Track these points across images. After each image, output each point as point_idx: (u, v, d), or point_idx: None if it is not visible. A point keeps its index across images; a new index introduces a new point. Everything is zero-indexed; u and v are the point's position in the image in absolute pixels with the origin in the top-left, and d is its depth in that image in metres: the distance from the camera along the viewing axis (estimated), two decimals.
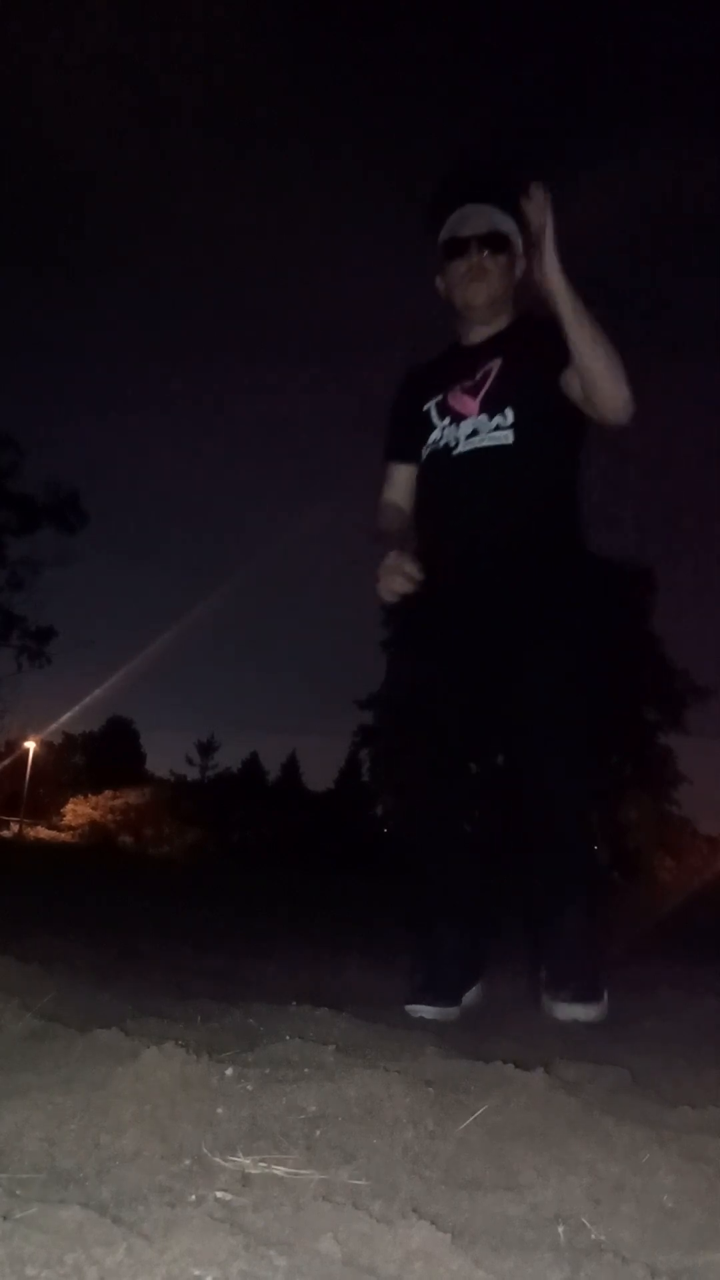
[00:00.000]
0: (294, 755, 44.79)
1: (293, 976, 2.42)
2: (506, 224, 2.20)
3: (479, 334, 2.25)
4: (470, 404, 2.16)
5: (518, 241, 2.22)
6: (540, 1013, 1.93)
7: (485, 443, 2.11)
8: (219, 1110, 0.96)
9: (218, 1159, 0.86)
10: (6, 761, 37.53)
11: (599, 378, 1.98)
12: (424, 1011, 1.90)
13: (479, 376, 2.17)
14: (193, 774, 44.91)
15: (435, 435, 2.19)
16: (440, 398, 2.21)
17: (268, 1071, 1.10)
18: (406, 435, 2.27)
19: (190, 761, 45.55)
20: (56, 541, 31.41)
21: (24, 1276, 0.62)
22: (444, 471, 2.17)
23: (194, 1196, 0.78)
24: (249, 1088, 1.02)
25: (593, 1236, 0.79)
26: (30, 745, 39.01)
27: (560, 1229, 0.79)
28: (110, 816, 37.80)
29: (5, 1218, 0.69)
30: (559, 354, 2.03)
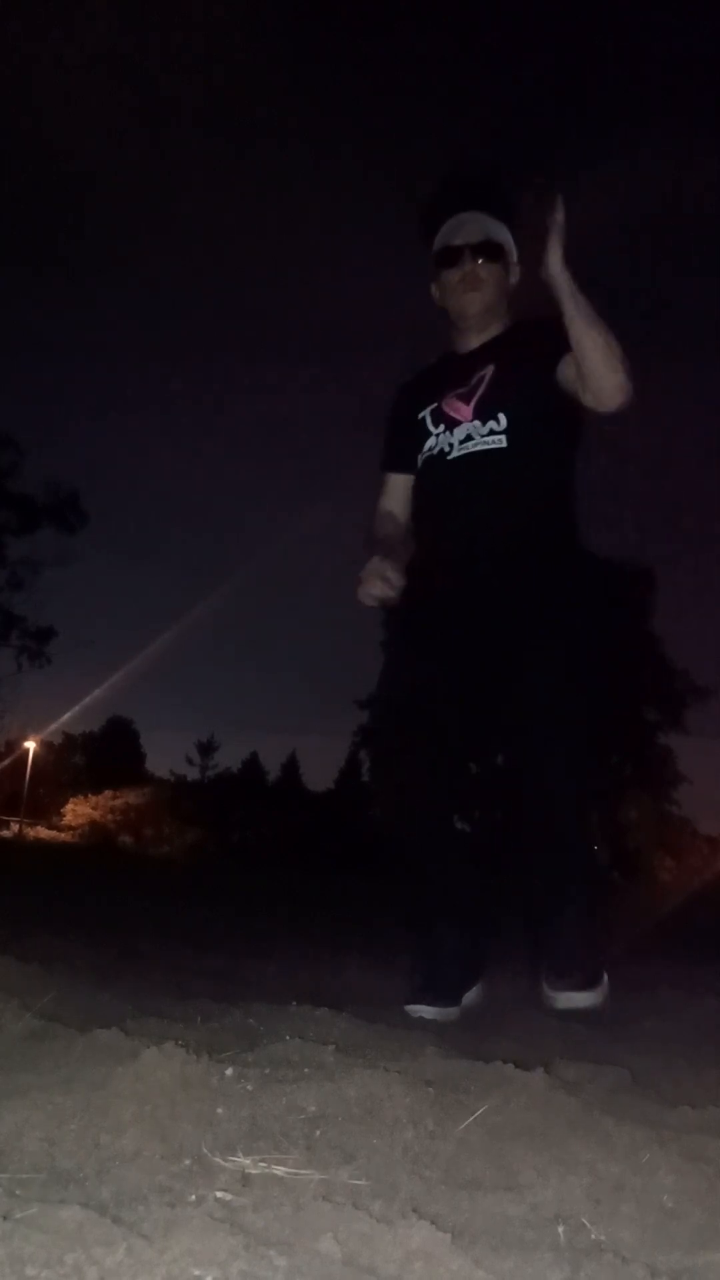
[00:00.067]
0: (294, 755, 44.82)
1: (293, 976, 2.42)
2: (500, 232, 2.21)
3: (473, 341, 2.25)
4: (464, 410, 2.16)
5: (512, 250, 2.23)
6: (541, 1010, 1.93)
7: (479, 447, 2.12)
8: (219, 1110, 0.96)
9: (218, 1159, 0.86)
10: (6, 761, 37.54)
11: (594, 356, 1.96)
12: (424, 1011, 1.90)
13: (473, 383, 2.18)
14: (193, 774, 44.95)
15: (430, 442, 2.20)
16: (435, 405, 2.22)
17: (268, 1071, 1.10)
18: (402, 444, 2.28)
19: (190, 761, 45.60)
20: (56, 541, 31.47)
21: (24, 1276, 0.62)
22: (440, 476, 2.18)
23: (194, 1196, 0.78)
24: (249, 1088, 1.02)
25: (593, 1236, 0.79)
26: (30, 745, 39.01)
27: (560, 1229, 0.79)
28: (110, 816, 37.81)
29: (5, 1218, 0.69)
30: (555, 348, 2.03)
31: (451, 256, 2.20)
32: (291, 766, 44.58)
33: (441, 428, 2.18)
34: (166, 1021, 1.44)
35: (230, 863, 23.90)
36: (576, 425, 2.18)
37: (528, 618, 2.05)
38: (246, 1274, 0.63)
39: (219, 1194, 0.79)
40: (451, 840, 2.11)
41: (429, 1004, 1.92)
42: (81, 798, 39.29)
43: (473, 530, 2.13)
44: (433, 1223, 0.72)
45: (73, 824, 37.83)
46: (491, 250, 2.19)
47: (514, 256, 2.24)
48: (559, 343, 2.01)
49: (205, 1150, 0.88)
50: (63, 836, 35.10)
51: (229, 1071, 1.05)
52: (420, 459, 2.22)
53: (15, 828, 36.01)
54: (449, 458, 2.15)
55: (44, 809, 39.53)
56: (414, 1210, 0.78)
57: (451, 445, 2.15)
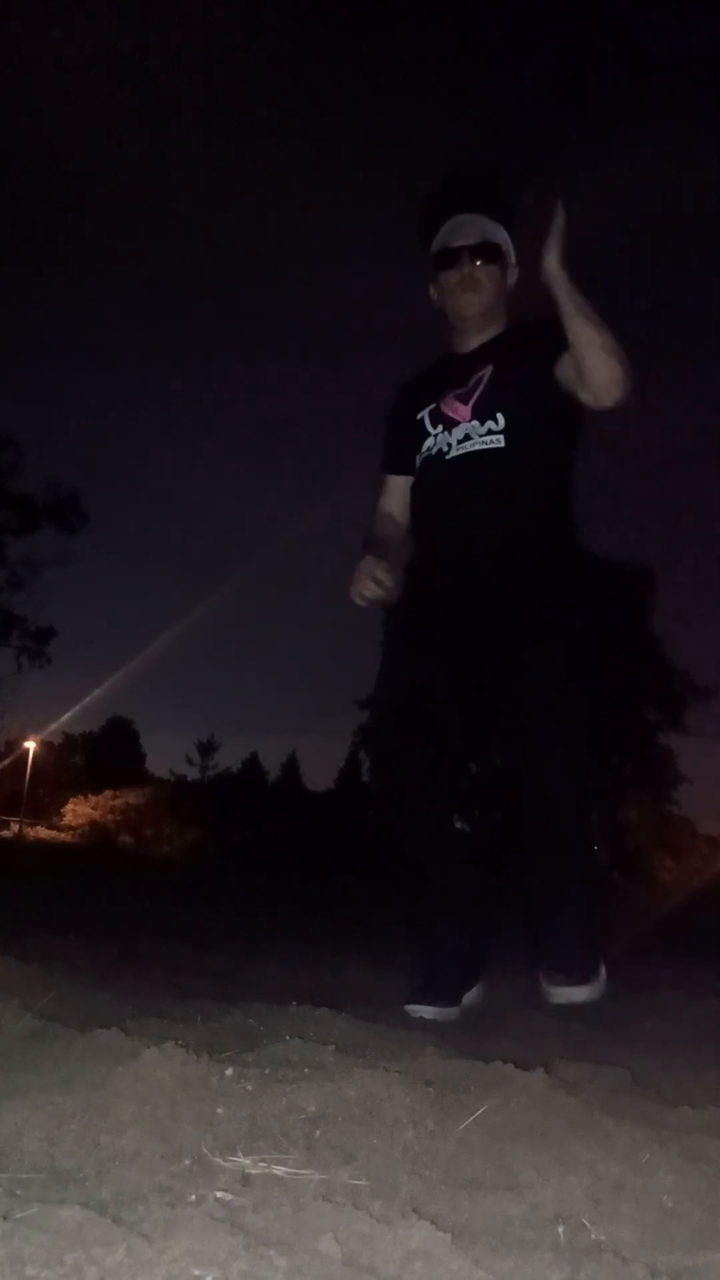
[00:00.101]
0: (294, 755, 44.80)
1: (293, 976, 2.42)
2: (498, 234, 2.21)
3: (471, 343, 2.25)
4: (463, 410, 2.16)
5: (509, 251, 2.23)
6: (541, 1010, 1.93)
7: (477, 447, 2.12)
8: (219, 1110, 0.96)
9: (218, 1159, 0.86)
10: (6, 761, 37.53)
11: (591, 353, 1.96)
12: (424, 1011, 1.90)
13: (471, 383, 2.18)
14: (193, 774, 44.93)
15: (429, 442, 2.20)
16: (433, 406, 2.22)
17: (268, 1071, 1.10)
18: (401, 445, 2.28)
19: (190, 761, 45.58)
20: (56, 541, 31.45)
21: (24, 1276, 0.62)
22: (438, 476, 2.18)
23: (194, 1196, 0.78)
24: (249, 1088, 1.02)
25: (593, 1236, 0.79)
26: (30, 745, 39.01)
27: (560, 1229, 0.79)
28: (110, 816, 37.80)
29: (5, 1218, 0.69)
30: (554, 347, 2.03)
31: (450, 258, 2.20)
32: (291, 766, 44.58)
33: (440, 428, 2.19)
34: (166, 1021, 1.44)
35: (230, 863, 23.90)
36: (575, 425, 2.18)
37: (527, 617, 2.05)
38: (246, 1274, 0.63)
39: (219, 1194, 0.79)
40: (451, 840, 2.11)
41: (429, 1004, 1.92)
42: (81, 798, 39.28)
43: (471, 530, 2.13)
44: (433, 1223, 0.72)
45: (73, 824, 37.82)
46: (489, 252, 2.19)
47: (512, 258, 2.24)
48: (558, 342, 2.01)
49: (205, 1150, 0.88)
50: (63, 836, 35.09)
51: (229, 1071, 1.05)
52: (419, 459, 2.22)
53: (15, 828, 36.01)
54: (447, 457, 2.15)
55: (44, 809, 39.52)
56: (414, 1210, 0.78)
57: (450, 445, 2.15)
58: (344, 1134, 0.95)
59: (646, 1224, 0.83)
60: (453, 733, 2.09)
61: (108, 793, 38.92)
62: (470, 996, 2.04)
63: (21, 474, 31.01)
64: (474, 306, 2.21)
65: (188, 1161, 0.87)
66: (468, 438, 2.14)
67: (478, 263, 2.18)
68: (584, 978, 1.97)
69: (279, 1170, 0.84)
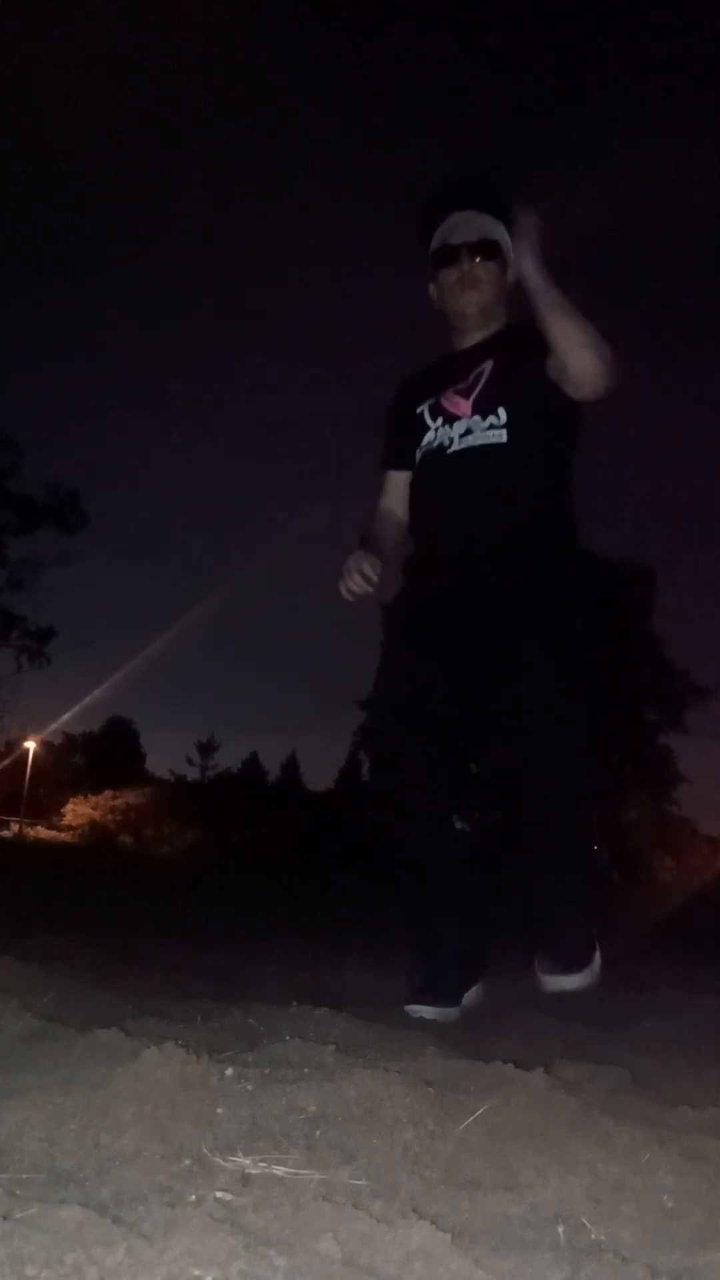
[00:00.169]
0: (294, 755, 44.81)
1: (293, 976, 2.42)
2: (497, 231, 2.21)
3: (471, 340, 2.25)
4: (463, 405, 2.16)
5: (509, 248, 2.23)
6: (541, 1010, 1.93)
7: (480, 441, 2.12)
8: (219, 1110, 0.96)
9: (218, 1159, 0.86)
10: (6, 761, 37.53)
11: (566, 344, 1.99)
12: (424, 1011, 1.90)
13: (471, 378, 2.18)
14: (193, 774, 44.94)
15: (429, 436, 2.20)
16: (433, 400, 2.22)
17: (268, 1071, 1.10)
18: (400, 442, 2.28)
19: (190, 761, 45.58)
20: (56, 541, 31.46)
21: (24, 1276, 0.62)
22: (438, 470, 2.17)
23: (194, 1196, 0.78)
24: (249, 1088, 1.02)
25: (593, 1236, 0.79)
26: (30, 745, 39.01)
27: (560, 1229, 0.79)
28: (110, 816, 37.80)
29: (5, 1218, 0.69)
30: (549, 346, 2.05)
31: (449, 255, 2.20)
32: (291, 766, 44.59)
33: (440, 421, 2.19)
34: (166, 1021, 1.44)
35: (230, 863, 23.89)
36: (575, 424, 2.18)
37: (527, 617, 2.05)
38: (246, 1274, 0.63)
39: (219, 1194, 0.79)
40: (451, 840, 2.11)
41: (429, 1004, 1.92)
42: (81, 798, 39.28)
43: (472, 527, 2.13)
44: (433, 1223, 0.72)
45: (73, 824, 37.82)
46: (489, 249, 2.20)
47: (511, 255, 2.25)
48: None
49: (205, 1150, 0.88)
50: (63, 836, 35.09)
51: (229, 1071, 1.05)
52: (419, 453, 2.22)
53: (15, 828, 36.01)
54: (449, 452, 2.15)
55: (44, 809, 39.52)
56: (414, 1210, 0.78)
57: (452, 440, 2.15)
58: (344, 1134, 0.95)
59: (646, 1224, 0.83)
60: (452, 733, 2.09)
61: (108, 793, 38.92)
62: (470, 996, 2.04)
63: (21, 474, 31.06)
64: (474, 304, 2.21)
65: (188, 1161, 0.87)
66: (469, 432, 2.13)
67: (477, 260, 2.19)
68: (577, 966, 1.98)
69: (279, 1170, 0.85)
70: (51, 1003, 1.47)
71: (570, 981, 1.96)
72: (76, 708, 36.11)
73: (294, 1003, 1.65)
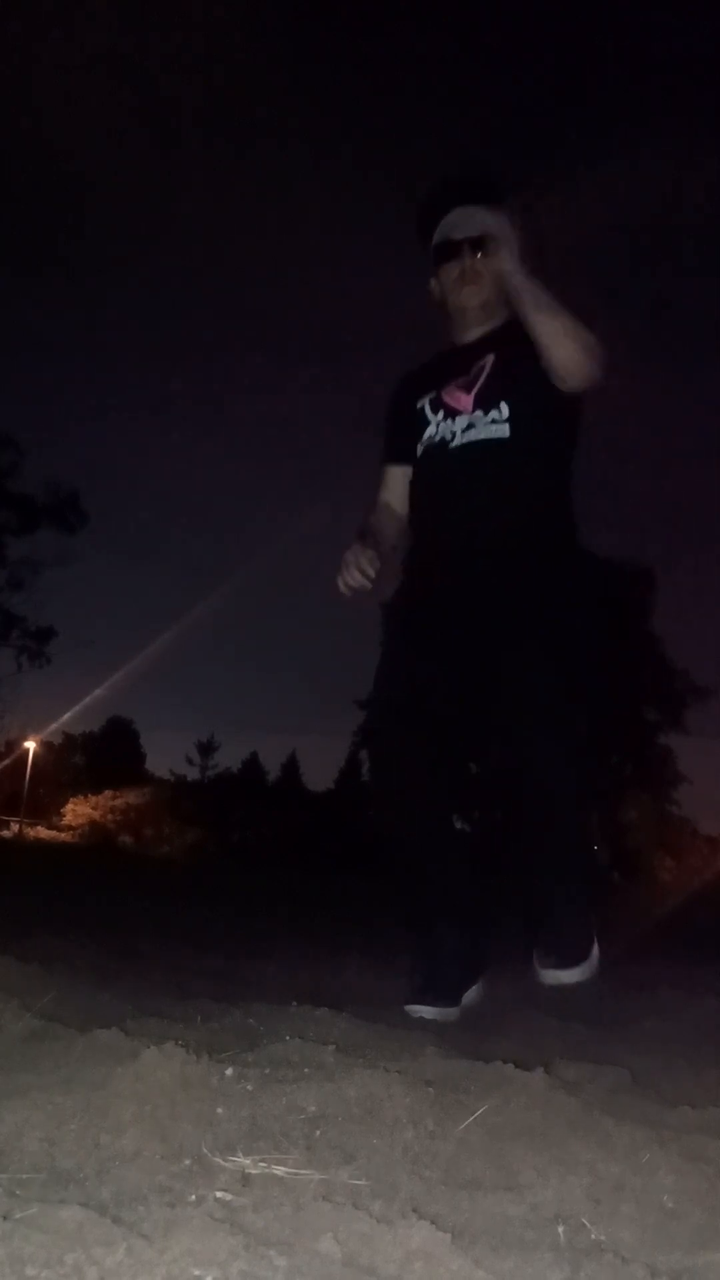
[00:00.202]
0: (294, 755, 44.79)
1: (293, 976, 2.42)
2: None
3: (472, 335, 2.26)
4: (465, 399, 2.16)
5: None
6: (541, 1010, 1.94)
7: (482, 435, 2.12)
8: (219, 1110, 0.96)
9: (218, 1159, 0.86)
10: (6, 761, 37.52)
11: (547, 338, 2.03)
12: (424, 1011, 1.90)
13: (473, 373, 2.18)
14: (193, 774, 44.92)
15: (430, 431, 2.19)
16: (434, 394, 2.22)
17: (268, 1071, 1.10)
18: (401, 436, 2.28)
19: (190, 761, 45.56)
20: (56, 541, 31.45)
21: (24, 1276, 0.62)
22: (440, 465, 2.17)
23: (194, 1196, 0.78)
24: (249, 1088, 1.02)
25: (593, 1236, 0.79)
26: (30, 745, 39.00)
27: (560, 1229, 0.79)
28: (110, 816, 37.80)
29: (5, 1218, 0.69)
30: None
31: (450, 250, 2.21)
32: (291, 766, 44.57)
33: (441, 414, 2.19)
34: (166, 1021, 1.44)
35: (230, 863, 23.89)
36: (575, 424, 2.18)
37: (527, 617, 2.05)
38: (246, 1274, 0.63)
39: (219, 1194, 0.79)
40: (451, 840, 2.11)
41: (429, 1004, 1.92)
42: (81, 798, 39.28)
43: (474, 521, 2.12)
44: (433, 1223, 0.72)
45: (73, 824, 37.82)
46: (489, 244, 2.20)
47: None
48: None
49: (205, 1150, 0.88)
50: (63, 836, 35.09)
51: (229, 1071, 1.05)
52: (420, 448, 2.22)
53: (15, 828, 36.00)
54: (451, 446, 2.15)
55: (44, 809, 39.51)
56: (414, 1210, 0.78)
57: (454, 434, 2.15)
58: (344, 1134, 0.95)
59: (646, 1224, 0.83)
60: (452, 733, 2.08)
61: (108, 793, 38.91)
62: (470, 996, 2.04)
63: (21, 474, 31.05)
64: (475, 298, 2.21)
65: (188, 1161, 0.87)
66: (471, 426, 2.14)
67: (478, 255, 2.19)
68: (575, 960, 1.98)
69: (279, 1170, 0.85)
70: (51, 1003, 1.47)
71: (569, 975, 1.96)
72: (76, 708, 36.13)
73: (294, 1003, 1.65)
